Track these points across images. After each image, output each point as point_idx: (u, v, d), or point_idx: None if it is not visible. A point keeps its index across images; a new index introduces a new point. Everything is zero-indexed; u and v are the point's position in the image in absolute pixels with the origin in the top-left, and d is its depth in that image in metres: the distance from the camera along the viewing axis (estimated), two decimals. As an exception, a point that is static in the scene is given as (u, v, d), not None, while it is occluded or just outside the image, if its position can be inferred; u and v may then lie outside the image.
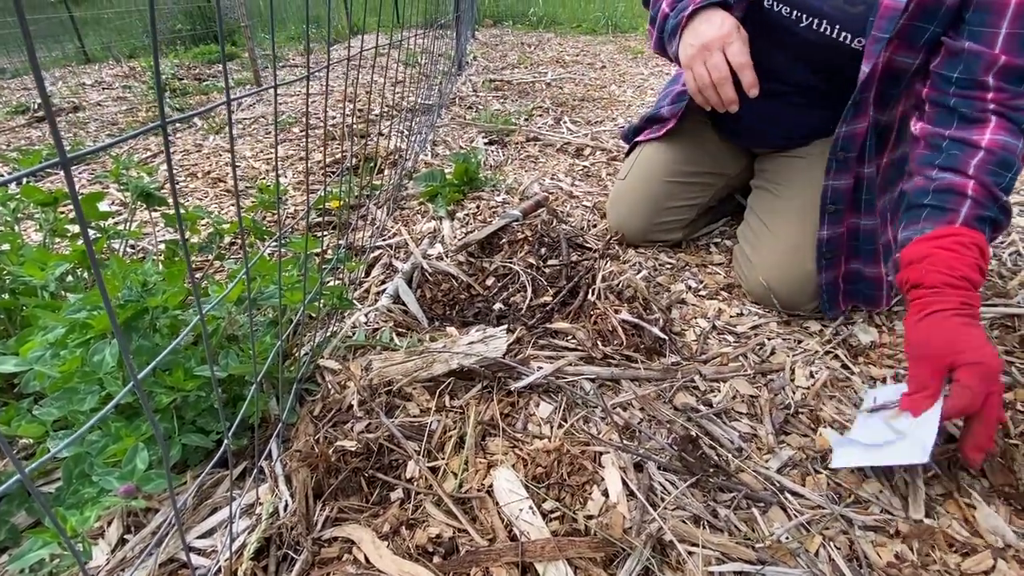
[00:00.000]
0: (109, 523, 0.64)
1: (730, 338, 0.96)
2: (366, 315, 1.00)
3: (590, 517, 0.64)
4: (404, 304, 1.04)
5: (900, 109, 0.91)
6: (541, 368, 0.85)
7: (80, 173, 1.78)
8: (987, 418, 0.61)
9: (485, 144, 1.95)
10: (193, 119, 2.37)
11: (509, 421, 0.78)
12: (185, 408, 0.67)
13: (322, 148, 1.05)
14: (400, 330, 0.97)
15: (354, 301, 1.03)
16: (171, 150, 1.98)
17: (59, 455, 0.57)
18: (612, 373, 0.85)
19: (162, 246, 1.25)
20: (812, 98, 0.99)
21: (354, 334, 0.94)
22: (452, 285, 1.11)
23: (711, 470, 0.70)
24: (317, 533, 0.62)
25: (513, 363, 0.84)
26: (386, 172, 1.66)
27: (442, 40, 2.83)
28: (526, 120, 2.21)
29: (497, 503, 0.65)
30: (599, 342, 0.92)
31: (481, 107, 2.42)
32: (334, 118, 2.28)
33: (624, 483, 0.67)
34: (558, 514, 0.64)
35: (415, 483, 0.68)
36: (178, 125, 2.25)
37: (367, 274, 1.16)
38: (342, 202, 1.32)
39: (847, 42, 0.84)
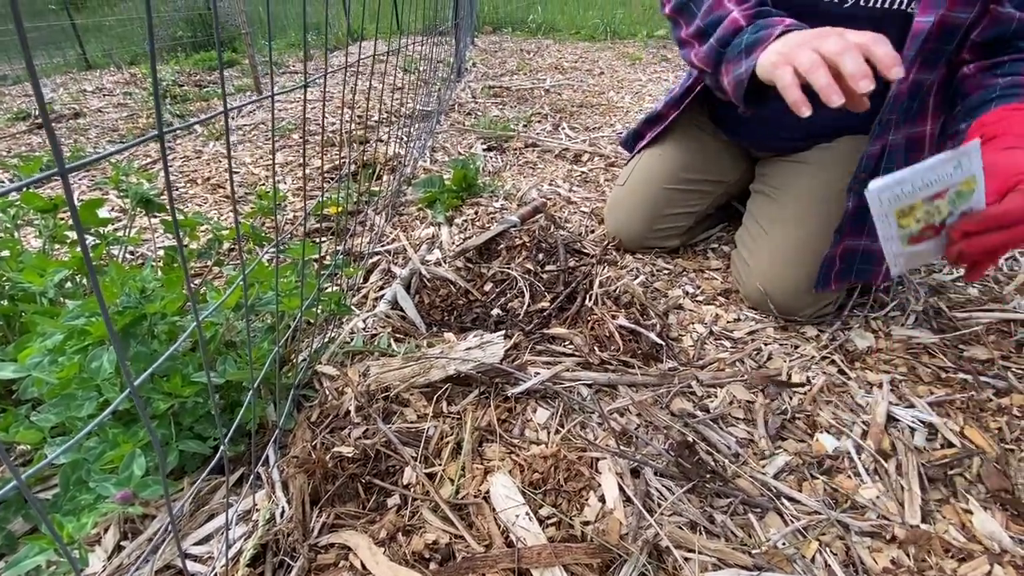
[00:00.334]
0: (106, 529, 0.64)
1: (727, 343, 0.96)
2: (364, 321, 1.00)
3: (587, 523, 0.64)
4: (402, 310, 1.05)
5: (934, 78, 0.89)
6: (538, 374, 0.85)
7: (80, 179, 1.79)
8: (1017, 231, 0.62)
9: (484, 150, 1.96)
10: (193, 125, 2.38)
11: (506, 427, 0.78)
12: (182, 414, 0.67)
13: (321, 154, 1.05)
14: (398, 336, 0.97)
15: (352, 307, 1.04)
16: (171, 156, 1.99)
17: (56, 461, 0.57)
18: (609, 379, 0.85)
19: (161, 252, 1.25)
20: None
21: (352, 340, 0.94)
22: (450, 291, 1.12)
23: (708, 476, 0.70)
24: (314, 539, 0.62)
25: (510, 369, 0.85)
26: (385, 178, 1.67)
27: (441, 47, 2.84)
28: (525, 126, 2.22)
29: (494, 509, 0.65)
30: (596, 348, 0.92)
31: (480, 113, 2.43)
32: (333, 124, 2.29)
33: (621, 489, 0.68)
34: (555, 520, 0.64)
35: (412, 489, 0.68)
36: (178, 132, 2.26)
37: (365, 280, 1.16)
38: (341, 208, 1.33)
39: (900, 7, 0.84)
